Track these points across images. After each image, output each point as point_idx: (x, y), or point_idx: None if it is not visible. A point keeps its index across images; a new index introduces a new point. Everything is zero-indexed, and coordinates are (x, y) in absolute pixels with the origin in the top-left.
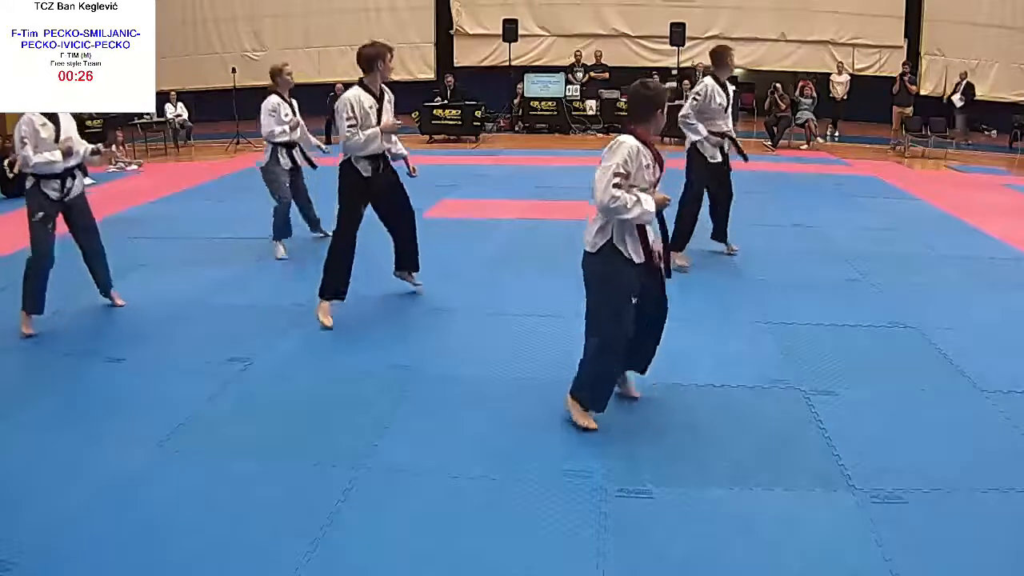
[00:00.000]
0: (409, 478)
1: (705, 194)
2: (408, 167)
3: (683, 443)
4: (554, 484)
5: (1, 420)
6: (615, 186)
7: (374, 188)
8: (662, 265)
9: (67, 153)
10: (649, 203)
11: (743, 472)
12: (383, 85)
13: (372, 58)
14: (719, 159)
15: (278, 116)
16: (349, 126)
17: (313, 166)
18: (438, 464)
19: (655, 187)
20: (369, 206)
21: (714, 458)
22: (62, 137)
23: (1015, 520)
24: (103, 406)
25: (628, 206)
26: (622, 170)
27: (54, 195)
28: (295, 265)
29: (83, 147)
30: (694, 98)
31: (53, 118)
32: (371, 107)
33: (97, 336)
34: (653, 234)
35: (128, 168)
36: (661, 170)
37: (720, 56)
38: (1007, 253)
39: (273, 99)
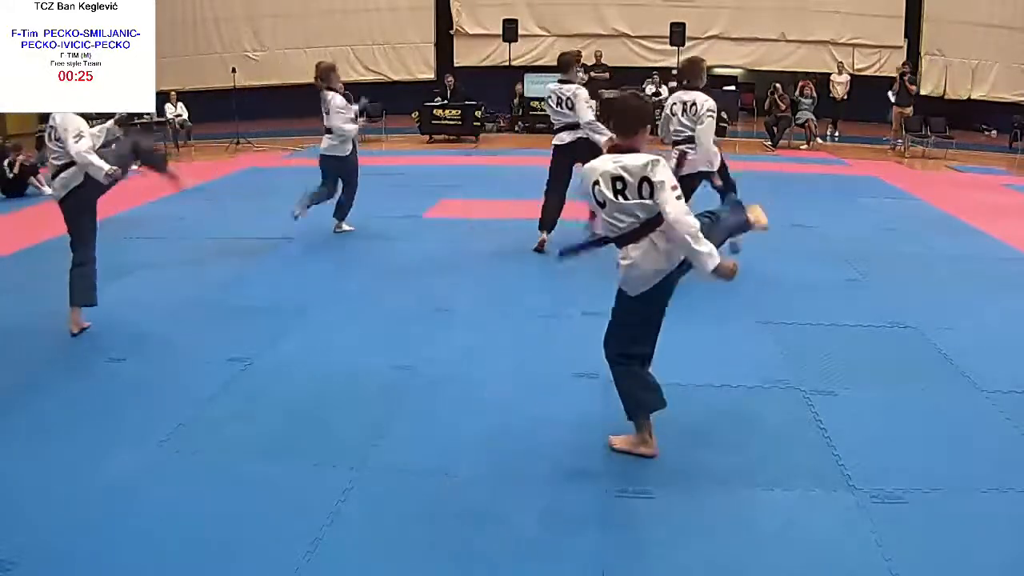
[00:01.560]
0: (409, 478)
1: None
2: None
3: (683, 443)
4: (554, 484)
5: (1, 420)
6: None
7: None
8: None
9: None
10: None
11: (743, 472)
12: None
13: (569, 63)
14: None
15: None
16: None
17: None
18: (438, 464)
19: None
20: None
21: (714, 458)
22: None
23: (1015, 520)
24: (103, 406)
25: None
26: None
27: None
28: (295, 265)
29: None
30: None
31: None
32: None
33: (97, 336)
34: None
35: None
36: None
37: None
38: (1007, 253)
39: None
